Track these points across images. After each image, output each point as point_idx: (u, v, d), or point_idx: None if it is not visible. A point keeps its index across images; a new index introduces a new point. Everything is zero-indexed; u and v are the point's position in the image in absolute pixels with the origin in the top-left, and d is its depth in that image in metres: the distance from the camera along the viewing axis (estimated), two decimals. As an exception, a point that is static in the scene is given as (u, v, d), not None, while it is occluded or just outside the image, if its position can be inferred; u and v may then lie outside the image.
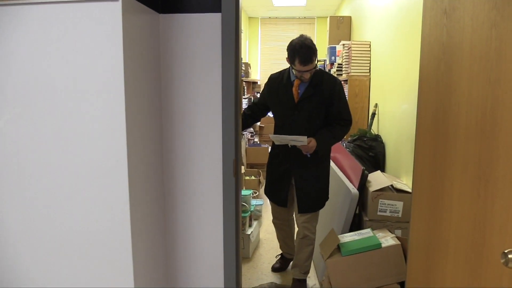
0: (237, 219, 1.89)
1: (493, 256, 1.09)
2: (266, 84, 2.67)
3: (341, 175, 3.06)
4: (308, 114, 2.48)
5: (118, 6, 1.37)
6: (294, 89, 2.48)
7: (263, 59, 8.40)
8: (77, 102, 1.43)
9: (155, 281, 1.78)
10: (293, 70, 2.45)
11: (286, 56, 2.44)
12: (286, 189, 2.63)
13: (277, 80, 2.59)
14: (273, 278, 2.97)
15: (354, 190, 2.68)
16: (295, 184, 2.57)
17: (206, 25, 1.77)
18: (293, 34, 8.21)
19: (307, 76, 2.42)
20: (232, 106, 1.79)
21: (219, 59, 1.77)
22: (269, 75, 2.70)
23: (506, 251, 0.96)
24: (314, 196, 2.57)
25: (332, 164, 3.19)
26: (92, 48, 1.40)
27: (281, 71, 2.65)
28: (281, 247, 3.05)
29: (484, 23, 1.19)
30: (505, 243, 1.04)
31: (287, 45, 2.43)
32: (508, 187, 1.05)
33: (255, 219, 3.61)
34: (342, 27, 5.81)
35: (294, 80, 2.48)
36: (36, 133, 1.46)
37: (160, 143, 1.82)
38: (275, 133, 2.55)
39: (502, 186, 1.07)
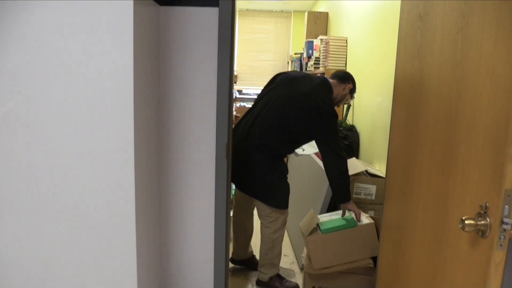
0: (227, 197, 2.07)
1: (454, 224, 1.31)
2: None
3: (319, 161, 3.27)
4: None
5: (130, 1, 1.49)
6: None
7: (241, 51, 8.51)
8: (87, 88, 1.54)
9: (151, 257, 1.94)
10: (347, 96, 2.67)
11: (350, 85, 2.65)
12: None
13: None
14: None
15: (331, 175, 2.88)
16: None
17: (203, 18, 1.91)
18: (270, 27, 8.43)
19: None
20: (226, 93, 1.95)
21: (215, 50, 1.92)
22: (327, 100, 2.56)
23: (463, 218, 1.17)
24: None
25: (311, 151, 3.39)
26: (103, 39, 1.51)
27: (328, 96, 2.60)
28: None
29: (452, 28, 1.40)
30: (463, 212, 1.26)
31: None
32: (466, 167, 1.26)
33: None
34: (319, 22, 6.01)
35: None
36: (46, 120, 1.55)
37: (157, 126, 1.96)
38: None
39: (461, 165, 1.29)
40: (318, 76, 2.64)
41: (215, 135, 1.99)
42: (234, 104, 7.94)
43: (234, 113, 7.73)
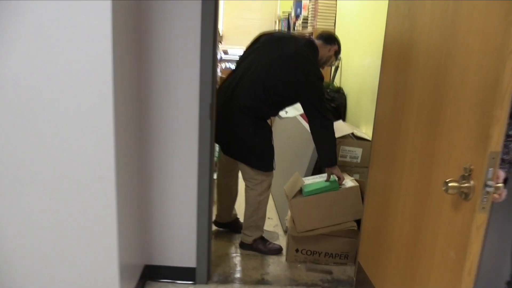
0: (211, 159, 2.05)
1: (437, 186, 1.32)
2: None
3: (304, 123, 3.26)
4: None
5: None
6: None
7: (227, 9, 8.28)
8: (65, 43, 1.48)
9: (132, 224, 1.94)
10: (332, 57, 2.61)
11: (335, 47, 2.58)
12: None
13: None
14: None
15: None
16: None
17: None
18: (258, -17, 8.15)
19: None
20: (210, 53, 1.90)
21: (198, 8, 1.85)
22: (313, 62, 2.47)
23: (447, 180, 1.17)
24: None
25: (295, 114, 3.37)
26: (83, 31, 1.46)
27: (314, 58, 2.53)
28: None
29: (444, -15, 1.36)
30: (447, 175, 1.26)
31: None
32: (452, 129, 1.26)
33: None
34: (308, -21, 5.84)
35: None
36: (25, 112, 1.52)
37: (139, 86, 1.91)
38: None
39: (447, 128, 1.28)
40: (304, 37, 2.59)
41: (199, 96, 1.95)
42: (219, 65, 7.83)
43: (220, 74, 7.64)
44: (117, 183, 1.62)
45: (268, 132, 2.51)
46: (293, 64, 2.35)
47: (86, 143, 1.57)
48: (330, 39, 2.57)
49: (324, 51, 2.55)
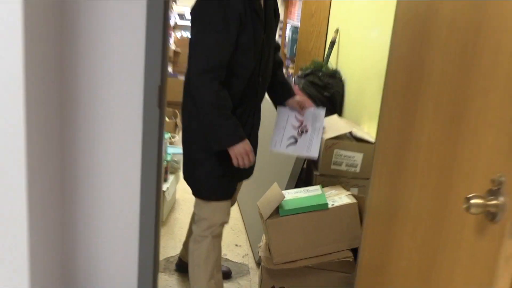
0: (159, 164, 2.07)
1: (457, 205, 1.38)
2: (227, 14, 2.13)
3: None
4: (271, 40, 2.44)
5: None
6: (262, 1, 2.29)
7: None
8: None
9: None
10: None
11: None
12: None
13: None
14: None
15: (303, 137, 2.93)
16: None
17: None
18: None
19: None
20: (161, 16, 1.91)
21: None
22: None
23: (469, 196, 1.23)
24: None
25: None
26: None
27: None
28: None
29: None
30: (471, 189, 1.32)
31: None
32: (479, 128, 1.31)
33: (171, 173, 3.80)
34: None
35: None
36: None
37: (58, 56, 1.91)
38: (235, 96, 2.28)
39: (474, 127, 1.34)
40: None
41: (143, 75, 1.96)
42: (172, 33, 7.78)
43: (173, 47, 7.61)
44: (29, 196, 1.62)
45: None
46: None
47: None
48: None
49: None
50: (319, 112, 2.49)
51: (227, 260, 2.98)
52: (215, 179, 2.35)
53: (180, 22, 7.58)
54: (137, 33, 1.93)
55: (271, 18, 2.37)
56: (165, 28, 1.95)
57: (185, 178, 2.44)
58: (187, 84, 2.28)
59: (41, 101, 1.73)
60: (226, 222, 2.44)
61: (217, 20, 2.11)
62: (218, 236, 2.43)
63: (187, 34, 7.62)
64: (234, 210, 3.69)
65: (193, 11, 2.18)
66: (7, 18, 1.51)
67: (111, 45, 1.93)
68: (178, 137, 5.09)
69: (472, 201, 1.22)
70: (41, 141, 1.76)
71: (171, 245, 3.24)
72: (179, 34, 7.17)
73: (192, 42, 2.19)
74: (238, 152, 2.20)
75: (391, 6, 2.01)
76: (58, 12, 1.85)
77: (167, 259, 3.04)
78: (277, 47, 2.55)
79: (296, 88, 3.28)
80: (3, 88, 1.55)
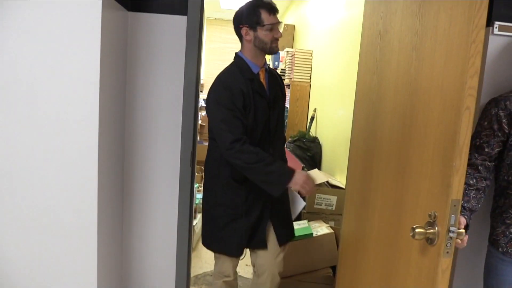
0: (191, 206, 2.08)
1: (406, 232, 1.39)
2: (233, 94, 1.84)
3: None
4: (278, 116, 2.02)
5: (98, 3, 1.50)
6: (263, 81, 1.95)
7: (208, 59, 8.53)
8: (53, 91, 1.52)
9: (112, 259, 1.92)
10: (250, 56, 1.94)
11: (241, 25, 1.90)
12: (265, 225, 1.97)
13: (240, 81, 1.87)
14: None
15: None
16: (272, 210, 1.99)
17: (171, 26, 1.92)
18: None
19: (279, 37, 1.89)
20: (193, 102, 1.97)
21: (182, 58, 1.94)
22: (215, 82, 1.94)
23: (414, 226, 1.24)
24: (289, 215, 2.08)
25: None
26: (71, 41, 1.50)
27: (228, 70, 1.97)
28: None
29: (407, 46, 1.49)
30: (415, 221, 1.33)
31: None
32: (417, 179, 1.34)
33: (199, 212, 3.78)
34: (286, 34, 6.14)
35: (258, 72, 1.93)
36: (12, 120, 1.53)
37: (122, 132, 1.96)
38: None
39: (414, 176, 1.37)
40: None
41: (180, 144, 2.00)
42: (199, 113, 7.96)
43: (200, 122, 7.76)
44: (98, 231, 1.62)
45: (218, 190, 1.98)
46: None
47: (68, 191, 1.58)
48: (236, 20, 1.94)
49: (245, 44, 1.95)
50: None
51: (240, 276, 2.93)
52: (214, 229, 1.97)
53: (204, 105, 7.73)
54: (177, 114, 1.97)
55: (277, 96, 2.00)
56: (196, 110, 2.00)
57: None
58: (208, 157, 2.06)
59: (108, 156, 1.76)
60: (228, 277, 2.00)
61: (225, 99, 1.82)
62: (229, 286, 2.04)
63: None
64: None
65: (207, 99, 1.94)
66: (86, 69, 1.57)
67: (159, 122, 1.98)
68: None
69: (416, 230, 1.23)
70: (107, 194, 1.78)
71: (199, 265, 3.19)
72: (204, 113, 7.30)
73: (211, 126, 1.90)
74: (299, 183, 1.77)
75: (353, 92, 2.07)
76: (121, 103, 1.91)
77: (196, 276, 2.99)
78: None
79: (287, 151, 3.33)
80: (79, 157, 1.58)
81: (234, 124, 1.81)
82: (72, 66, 1.52)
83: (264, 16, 1.84)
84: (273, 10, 1.86)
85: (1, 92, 1.51)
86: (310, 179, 1.81)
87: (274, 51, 1.90)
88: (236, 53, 2.00)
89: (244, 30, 1.89)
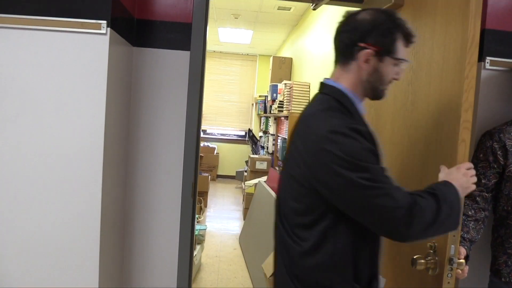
0: (192, 237, 2.08)
1: (406, 263, 1.40)
2: (365, 140, 1.17)
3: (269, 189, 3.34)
4: None
5: (106, 38, 1.57)
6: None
7: (207, 91, 8.63)
8: (60, 124, 1.57)
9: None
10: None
11: (363, 43, 1.18)
12: None
13: (356, 121, 1.23)
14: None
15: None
16: None
17: (174, 61, 1.98)
18: (236, 69, 8.69)
19: (398, 79, 1.23)
20: (194, 134, 2.01)
21: (184, 91, 1.99)
22: (337, 126, 1.13)
23: (414, 257, 1.26)
24: None
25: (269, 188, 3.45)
26: (79, 72, 1.57)
27: (330, 108, 1.21)
28: None
29: (404, 80, 1.54)
30: (413, 252, 1.35)
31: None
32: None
33: (198, 243, 3.76)
34: (283, 67, 6.28)
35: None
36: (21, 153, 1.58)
37: (126, 163, 1.98)
38: None
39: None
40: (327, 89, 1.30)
41: (182, 175, 2.02)
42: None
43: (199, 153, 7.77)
44: (100, 261, 1.63)
45: None
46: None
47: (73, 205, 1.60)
48: (354, 33, 1.21)
49: (354, 74, 1.24)
50: None
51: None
52: None
53: (203, 135, 7.80)
54: (179, 148, 2.00)
55: None
56: (197, 143, 2.03)
57: None
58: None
59: (112, 187, 1.78)
60: None
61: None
62: None
63: (207, 144, 7.79)
64: (244, 270, 3.62)
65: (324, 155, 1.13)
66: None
67: (162, 154, 2.01)
68: (203, 217, 5.07)
69: (418, 261, 1.24)
70: (109, 220, 1.79)
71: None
72: (202, 143, 7.36)
73: (361, 208, 1.08)
74: (464, 185, 1.13)
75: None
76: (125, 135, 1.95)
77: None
78: None
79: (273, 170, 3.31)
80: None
81: (388, 192, 1.09)
82: (79, 96, 1.58)
83: (400, 45, 1.19)
84: (412, 42, 1.22)
85: (12, 123, 1.56)
86: (461, 169, 1.18)
87: (381, 96, 1.26)
88: (328, 84, 1.31)
89: (365, 53, 1.19)
